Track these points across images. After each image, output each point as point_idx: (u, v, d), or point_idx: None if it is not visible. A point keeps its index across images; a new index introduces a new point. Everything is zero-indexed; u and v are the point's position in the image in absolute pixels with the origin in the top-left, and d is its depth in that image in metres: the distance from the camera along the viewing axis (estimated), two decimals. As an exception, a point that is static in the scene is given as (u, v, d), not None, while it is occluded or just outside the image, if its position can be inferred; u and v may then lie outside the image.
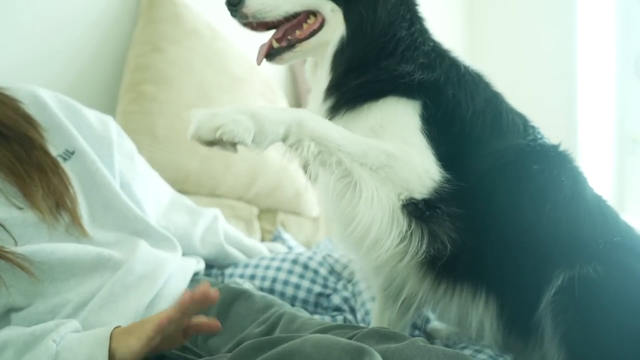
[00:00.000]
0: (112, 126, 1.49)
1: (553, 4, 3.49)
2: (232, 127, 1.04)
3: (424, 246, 1.16)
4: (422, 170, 1.18)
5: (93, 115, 1.46)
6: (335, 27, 1.28)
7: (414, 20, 1.30)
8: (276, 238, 2.11)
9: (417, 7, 1.33)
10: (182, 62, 2.08)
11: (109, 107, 2.03)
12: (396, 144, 1.19)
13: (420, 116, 1.22)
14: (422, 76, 1.23)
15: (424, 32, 1.31)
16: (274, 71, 2.66)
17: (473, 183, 1.19)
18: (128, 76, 2.02)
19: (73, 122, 1.36)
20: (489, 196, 1.20)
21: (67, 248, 1.18)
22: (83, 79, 2.02)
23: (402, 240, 1.16)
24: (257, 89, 2.32)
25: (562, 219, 1.21)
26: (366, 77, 1.25)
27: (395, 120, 1.22)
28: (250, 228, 2.14)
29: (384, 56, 1.25)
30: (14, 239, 1.15)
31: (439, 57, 1.28)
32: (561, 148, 1.31)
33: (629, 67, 3.49)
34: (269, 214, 2.26)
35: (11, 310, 1.14)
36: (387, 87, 1.23)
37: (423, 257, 1.17)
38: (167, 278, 1.27)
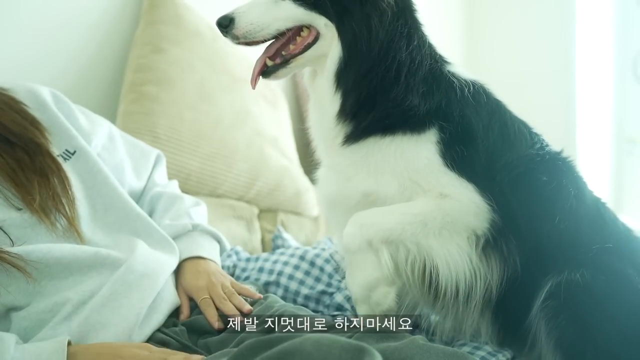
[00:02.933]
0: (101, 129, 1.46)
1: (551, 4, 3.50)
2: (385, 304, 1.21)
3: (502, 272, 1.22)
4: (473, 206, 1.21)
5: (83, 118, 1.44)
6: (330, 42, 1.26)
7: (412, 34, 1.28)
8: (276, 238, 2.12)
9: (416, 16, 1.31)
10: (183, 62, 2.09)
11: (111, 107, 2.04)
12: (435, 193, 1.22)
13: (439, 142, 1.23)
14: (426, 106, 1.24)
15: (422, 45, 1.29)
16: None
17: (497, 197, 1.22)
18: (129, 77, 2.03)
19: (66, 117, 1.35)
20: (507, 209, 1.23)
21: (63, 247, 1.18)
22: (84, 80, 2.03)
23: (486, 278, 1.22)
24: (257, 89, 2.30)
25: (568, 229, 1.23)
26: (377, 112, 1.25)
27: (418, 166, 1.23)
28: (250, 228, 2.15)
29: (389, 84, 1.24)
30: (11, 240, 1.15)
31: (436, 80, 1.27)
32: (564, 155, 1.33)
33: (627, 68, 3.49)
34: (270, 213, 2.27)
35: (11, 309, 1.14)
36: (399, 123, 1.24)
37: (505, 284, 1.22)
38: (167, 278, 1.28)
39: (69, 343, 1.05)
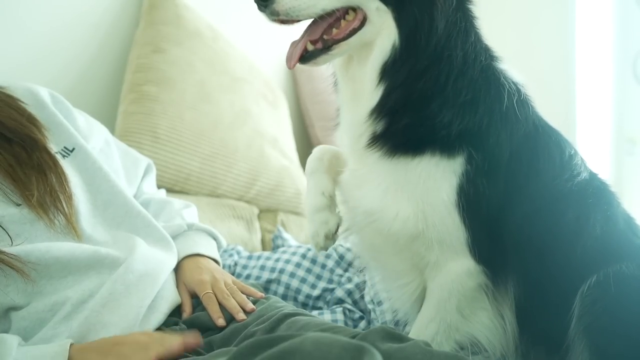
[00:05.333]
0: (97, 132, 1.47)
1: (551, 5, 3.50)
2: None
3: (513, 300, 1.22)
4: (463, 269, 1.19)
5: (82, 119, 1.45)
6: (379, 28, 1.16)
7: (469, 29, 1.19)
8: (276, 237, 2.13)
9: (470, 7, 1.21)
10: (183, 62, 2.09)
11: (111, 107, 2.04)
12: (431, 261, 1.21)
13: (462, 175, 1.16)
14: (461, 126, 1.15)
15: (477, 42, 1.20)
16: (274, 72, 2.67)
17: (516, 230, 1.19)
18: (129, 77, 2.03)
19: (65, 117, 1.36)
20: (528, 242, 1.20)
21: (62, 246, 1.17)
22: (85, 80, 2.03)
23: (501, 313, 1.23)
24: (257, 90, 2.33)
25: (591, 259, 1.18)
26: (415, 120, 1.16)
27: (435, 201, 1.17)
28: (250, 228, 2.16)
29: (438, 90, 1.15)
30: (10, 237, 1.14)
31: (486, 82, 1.19)
32: (598, 181, 1.27)
33: (626, 68, 3.50)
34: (270, 213, 2.28)
35: (10, 309, 1.13)
36: (431, 139, 1.16)
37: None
38: (166, 277, 1.28)
39: (72, 346, 1.05)
